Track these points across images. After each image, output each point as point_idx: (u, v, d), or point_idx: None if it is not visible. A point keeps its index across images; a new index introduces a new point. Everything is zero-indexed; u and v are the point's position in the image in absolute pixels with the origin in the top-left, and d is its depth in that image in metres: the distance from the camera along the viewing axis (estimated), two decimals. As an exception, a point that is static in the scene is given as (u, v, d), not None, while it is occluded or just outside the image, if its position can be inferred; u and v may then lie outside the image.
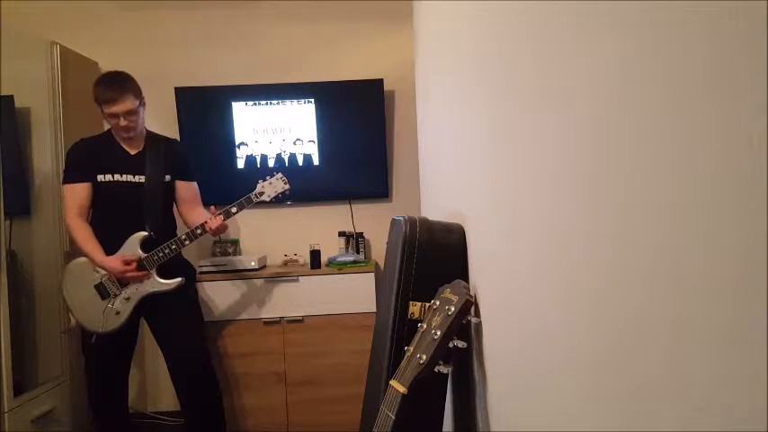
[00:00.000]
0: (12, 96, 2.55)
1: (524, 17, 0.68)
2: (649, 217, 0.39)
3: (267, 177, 2.37)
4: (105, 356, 2.31)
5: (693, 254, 0.34)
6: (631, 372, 0.43)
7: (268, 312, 2.76)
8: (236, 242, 3.10)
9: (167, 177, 2.35)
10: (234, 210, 2.30)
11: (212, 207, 2.29)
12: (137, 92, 2.25)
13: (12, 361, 2.23)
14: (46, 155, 2.63)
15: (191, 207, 2.41)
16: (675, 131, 0.36)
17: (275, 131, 3.03)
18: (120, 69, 2.30)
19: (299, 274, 2.79)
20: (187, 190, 2.41)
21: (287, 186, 2.38)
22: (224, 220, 2.27)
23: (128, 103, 2.20)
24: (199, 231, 2.25)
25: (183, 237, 2.26)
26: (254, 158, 3.02)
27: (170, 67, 3.08)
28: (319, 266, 2.87)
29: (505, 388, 0.89)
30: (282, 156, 3.03)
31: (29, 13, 3.00)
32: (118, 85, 2.21)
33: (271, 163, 3.02)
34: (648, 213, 0.39)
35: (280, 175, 2.38)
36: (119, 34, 3.10)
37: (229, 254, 3.03)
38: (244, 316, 2.77)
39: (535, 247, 0.68)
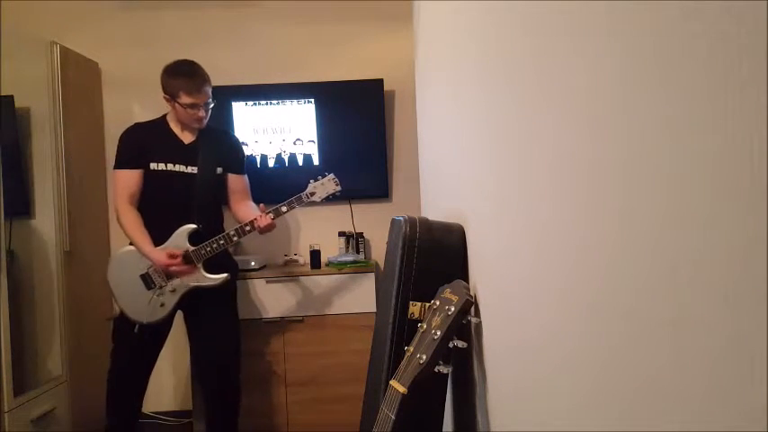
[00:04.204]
0: (12, 96, 2.54)
1: (525, 17, 0.68)
2: (649, 217, 0.39)
3: (319, 177, 2.35)
4: (139, 347, 2.28)
5: (693, 254, 0.34)
6: (631, 372, 0.43)
7: (268, 312, 2.76)
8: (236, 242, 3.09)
9: (219, 170, 2.35)
10: (284, 209, 2.28)
11: (261, 204, 2.28)
12: (210, 81, 2.29)
13: (12, 361, 2.23)
14: (46, 155, 2.63)
15: (240, 200, 2.41)
16: (675, 132, 0.36)
17: (275, 131, 3.03)
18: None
19: (299, 274, 2.79)
20: (238, 183, 2.42)
21: (338, 188, 2.36)
22: (273, 218, 2.26)
23: (209, 93, 2.26)
24: (248, 228, 2.24)
25: (232, 233, 2.24)
26: (254, 158, 3.02)
27: (170, 67, 3.07)
28: (319, 266, 2.87)
29: (505, 388, 0.89)
30: (282, 156, 3.03)
31: (29, 13, 3.00)
32: (201, 75, 2.25)
33: (270, 163, 3.02)
34: (648, 213, 0.39)
35: (332, 175, 2.36)
36: (119, 34, 3.10)
37: (229, 254, 3.03)
38: (244, 316, 2.76)
39: (535, 247, 0.68)
